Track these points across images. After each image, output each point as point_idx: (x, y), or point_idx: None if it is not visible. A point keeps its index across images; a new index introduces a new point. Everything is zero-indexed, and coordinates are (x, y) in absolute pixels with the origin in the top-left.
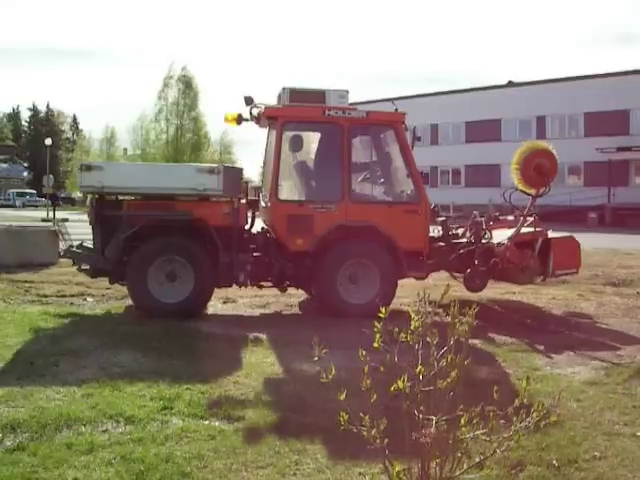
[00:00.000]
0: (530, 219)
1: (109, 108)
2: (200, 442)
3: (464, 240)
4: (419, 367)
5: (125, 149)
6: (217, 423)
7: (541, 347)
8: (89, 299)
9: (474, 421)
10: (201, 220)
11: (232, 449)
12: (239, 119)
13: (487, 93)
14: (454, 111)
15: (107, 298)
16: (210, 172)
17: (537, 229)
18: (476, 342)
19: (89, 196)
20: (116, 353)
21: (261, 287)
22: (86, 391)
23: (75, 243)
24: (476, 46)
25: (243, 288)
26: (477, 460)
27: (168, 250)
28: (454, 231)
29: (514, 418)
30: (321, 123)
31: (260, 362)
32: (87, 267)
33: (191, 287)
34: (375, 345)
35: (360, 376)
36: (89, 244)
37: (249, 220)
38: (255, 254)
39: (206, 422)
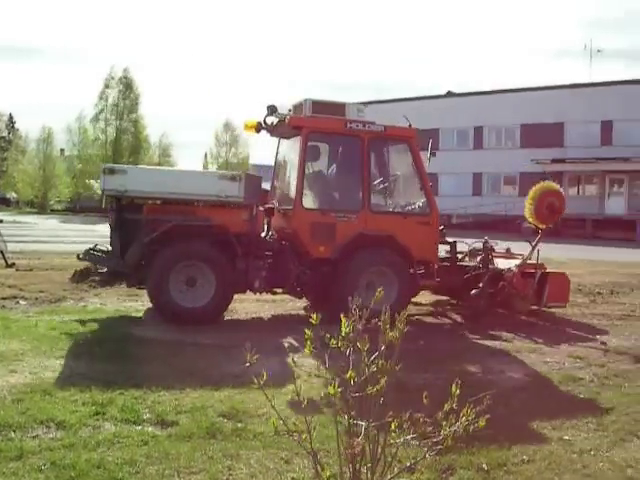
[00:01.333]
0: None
1: (46, 108)
2: (132, 448)
3: (469, 263)
4: (349, 372)
5: (62, 149)
6: (150, 428)
7: (475, 353)
8: (22, 302)
9: (404, 426)
10: (222, 226)
11: (165, 454)
12: (259, 127)
13: (426, 103)
14: (393, 120)
15: (40, 301)
16: (232, 179)
17: (539, 262)
18: (410, 347)
19: (104, 199)
20: (48, 357)
21: (274, 293)
22: (16, 396)
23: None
24: (416, 56)
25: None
26: (408, 464)
27: (190, 255)
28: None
29: (443, 423)
30: (343, 135)
31: (194, 367)
32: (104, 270)
33: (212, 292)
34: (306, 351)
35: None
36: (102, 247)
37: (264, 227)
38: (270, 260)
39: (139, 427)
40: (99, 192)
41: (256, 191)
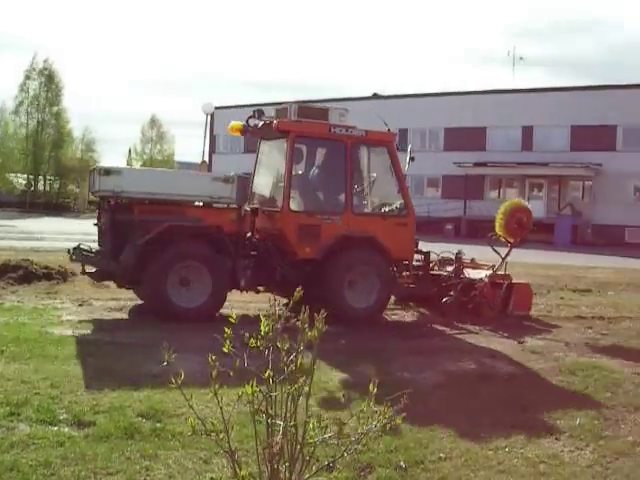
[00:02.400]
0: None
1: None
2: (48, 449)
3: (440, 272)
4: (267, 372)
5: None
6: (66, 429)
7: (396, 352)
8: None
9: (323, 425)
10: (215, 227)
11: (81, 456)
12: (244, 129)
13: (352, 104)
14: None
15: None
16: (225, 181)
17: (506, 273)
18: (331, 347)
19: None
20: None
21: (258, 292)
22: None
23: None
24: (343, 58)
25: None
26: (326, 463)
27: (188, 256)
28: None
29: (361, 422)
30: (327, 139)
31: (113, 366)
32: (92, 270)
33: (208, 292)
34: (225, 350)
35: (215, 381)
36: (85, 246)
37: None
38: (255, 260)
39: (55, 428)
40: (19, 187)
41: (245, 192)
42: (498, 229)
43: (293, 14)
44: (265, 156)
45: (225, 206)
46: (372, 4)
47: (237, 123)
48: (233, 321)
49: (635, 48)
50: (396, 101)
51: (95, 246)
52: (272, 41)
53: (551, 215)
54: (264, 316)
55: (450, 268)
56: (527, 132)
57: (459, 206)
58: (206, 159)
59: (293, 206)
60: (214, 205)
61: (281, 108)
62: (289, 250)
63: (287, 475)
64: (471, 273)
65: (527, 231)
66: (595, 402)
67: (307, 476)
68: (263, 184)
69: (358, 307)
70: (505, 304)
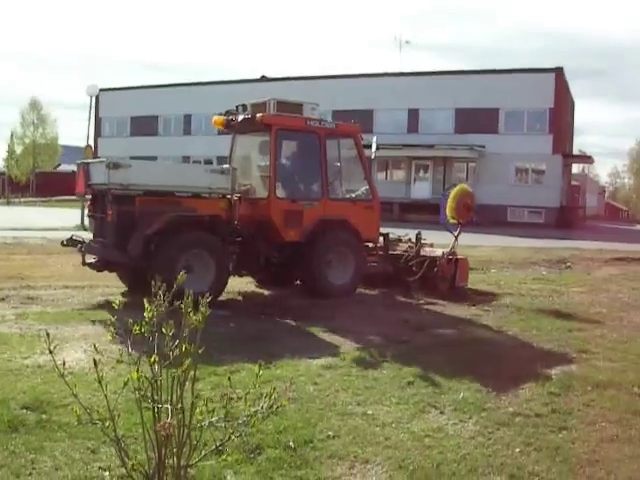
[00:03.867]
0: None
1: None
2: None
3: (402, 252)
4: (153, 357)
5: None
6: None
7: (283, 334)
8: None
9: (210, 408)
10: (213, 216)
11: None
12: (226, 123)
13: (241, 86)
14: (207, 102)
15: None
16: (222, 173)
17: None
18: (220, 331)
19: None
20: None
21: (241, 276)
22: None
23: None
24: (230, 41)
25: None
26: (215, 447)
27: (195, 244)
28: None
29: (248, 404)
30: (303, 132)
31: None
32: (94, 260)
33: (212, 277)
34: (108, 337)
35: (100, 368)
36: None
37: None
38: (241, 245)
39: None
40: None
41: (235, 182)
42: (449, 212)
43: None
44: (241, 148)
45: (216, 196)
46: None
47: (220, 117)
48: (116, 307)
49: (521, 34)
50: (283, 83)
51: (86, 237)
52: (161, 22)
53: (436, 196)
54: (147, 301)
55: (402, 247)
56: (413, 115)
57: None
58: (91, 143)
59: (278, 194)
60: (202, 195)
61: (258, 103)
62: (276, 234)
63: (175, 461)
64: (428, 251)
65: (472, 212)
66: (478, 375)
67: (196, 460)
68: (242, 174)
69: (336, 284)
70: (453, 277)
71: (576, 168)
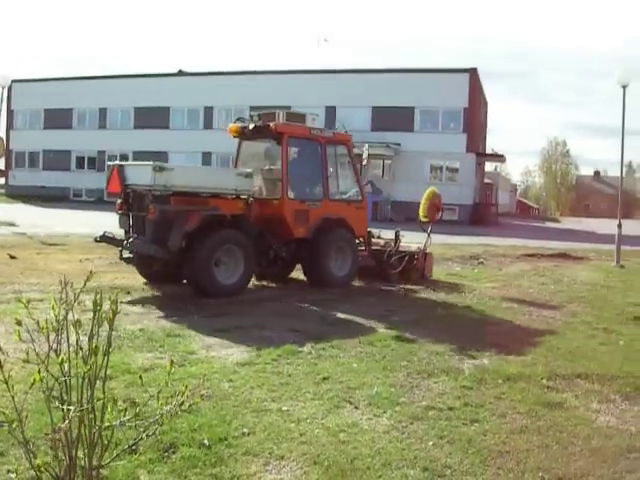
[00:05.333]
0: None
1: None
2: None
3: (378, 247)
4: (61, 356)
5: None
6: None
7: (202, 330)
8: None
9: (121, 408)
10: (238, 215)
11: None
12: (240, 131)
13: (158, 80)
14: (124, 96)
15: None
16: (246, 176)
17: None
18: (134, 328)
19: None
20: None
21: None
22: None
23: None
24: (147, 35)
25: None
26: (127, 446)
27: (228, 239)
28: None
29: (160, 402)
30: (308, 139)
31: None
32: (129, 255)
33: (241, 270)
34: (15, 337)
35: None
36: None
37: None
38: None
39: None
40: None
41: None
42: (421, 212)
43: None
44: (246, 154)
45: (233, 197)
46: None
47: (235, 125)
48: (25, 304)
49: (442, 32)
50: (201, 78)
51: (117, 233)
52: (76, 14)
53: None
54: (55, 299)
55: (379, 243)
56: (330, 112)
57: None
58: (2, 135)
59: (289, 195)
60: (221, 196)
61: (267, 113)
62: (287, 231)
63: (86, 461)
64: (405, 247)
65: (441, 211)
66: (392, 370)
67: (108, 460)
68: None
69: (339, 275)
70: (423, 269)
71: (489, 166)
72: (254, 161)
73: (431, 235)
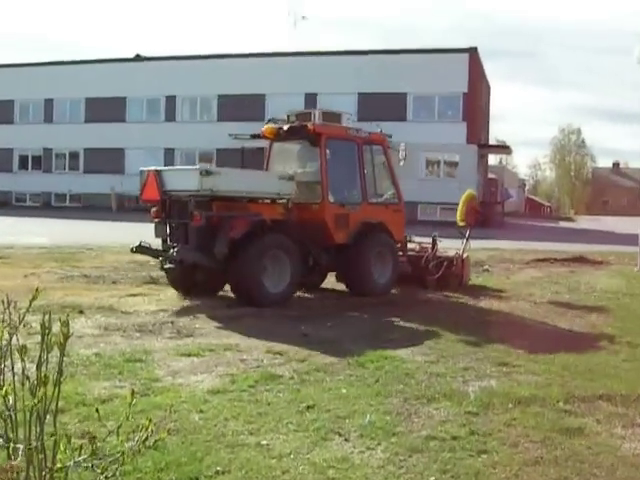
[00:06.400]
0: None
1: None
2: None
3: (414, 253)
4: (5, 388)
5: None
6: None
7: (164, 354)
8: None
9: (76, 446)
10: (284, 220)
11: None
12: (277, 133)
13: (112, 66)
14: (73, 85)
15: None
16: (288, 179)
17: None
18: (89, 353)
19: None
20: None
21: None
22: None
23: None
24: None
25: None
26: None
27: (275, 245)
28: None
29: (120, 439)
30: (345, 140)
31: None
32: (171, 266)
33: (287, 278)
34: None
35: None
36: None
37: None
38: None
39: None
40: None
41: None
42: (459, 216)
43: None
44: (278, 155)
45: (269, 201)
46: None
47: (270, 127)
48: None
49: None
50: (163, 64)
51: (153, 243)
52: None
53: None
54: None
55: (412, 248)
56: (310, 100)
57: None
58: None
59: (330, 198)
60: (260, 200)
61: (303, 112)
62: (327, 237)
63: None
64: (442, 252)
65: (480, 215)
66: (386, 395)
67: None
68: None
69: (380, 282)
70: (462, 275)
71: (493, 159)
72: (285, 163)
73: (470, 240)
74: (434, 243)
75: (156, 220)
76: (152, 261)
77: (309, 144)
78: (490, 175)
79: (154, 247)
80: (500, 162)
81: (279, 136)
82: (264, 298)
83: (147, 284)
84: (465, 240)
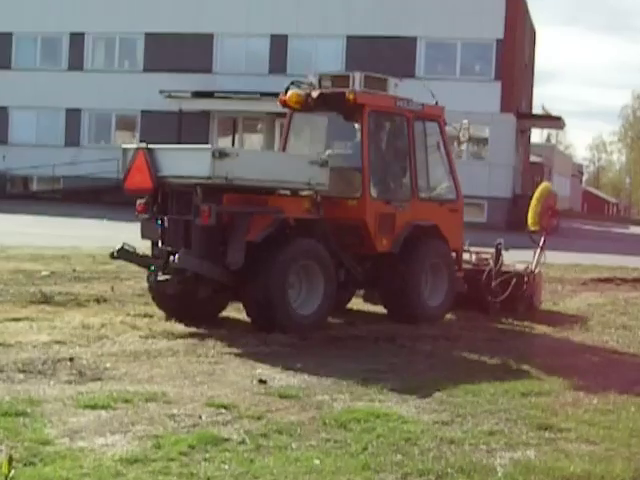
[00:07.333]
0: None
1: None
2: None
3: (470, 266)
4: None
5: None
6: None
7: (52, 407)
8: None
9: None
10: (314, 219)
11: None
12: (305, 100)
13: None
14: None
15: None
16: (322, 165)
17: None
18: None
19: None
20: None
21: None
22: None
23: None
24: None
25: None
26: None
27: (306, 253)
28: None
29: None
30: (392, 114)
31: None
32: (166, 278)
33: (320, 294)
34: None
35: None
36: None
37: None
38: None
39: None
40: None
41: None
42: (531, 218)
43: None
44: (302, 130)
45: (302, 193)
46: None
47: (296, 93)
48: None
49: None
50: None
51: (139, 247)
52: None
53: None
54: None
55: (473, 259)
56: (278, 44)
57: None
58: None
59: (372, 193)
60: (280, 192)
61: (338, 75)
62: (368, 243)
63: None
64: (509, 266)
65: (558, 218)
66: (378, 470)
67: None
68: None
69: (432, 306)
70: (532, 296)
71: (538, 136)
72: (308, 142)
73: (545, 250)
74: (498, 254)
75: (143, 216)
76: (44, 271)
77: (343, 118)
78: (533, 158)
79: (141, 252)
80: (548, 140)
81: (307, 106)
82: (292, 323)
83: (36, 304)
84: (539, 250)
